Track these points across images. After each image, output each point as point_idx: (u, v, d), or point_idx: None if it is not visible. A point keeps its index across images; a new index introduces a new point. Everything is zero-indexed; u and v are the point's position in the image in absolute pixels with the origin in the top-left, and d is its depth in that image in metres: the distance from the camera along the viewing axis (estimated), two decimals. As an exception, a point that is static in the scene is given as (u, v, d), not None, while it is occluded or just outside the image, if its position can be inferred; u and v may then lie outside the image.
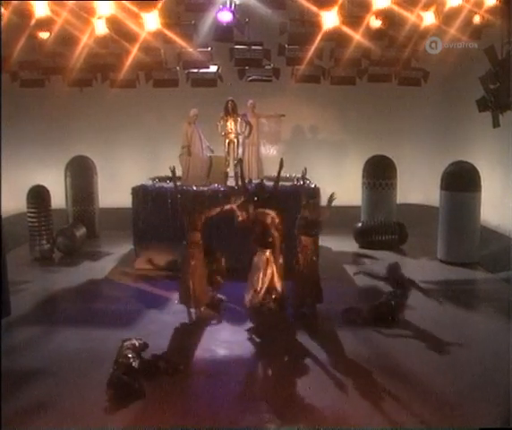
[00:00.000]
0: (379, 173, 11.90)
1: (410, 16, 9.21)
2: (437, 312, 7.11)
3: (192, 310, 7.49)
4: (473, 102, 9.48)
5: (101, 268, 10.02)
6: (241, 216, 7.37)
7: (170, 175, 10.43)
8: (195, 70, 10.99)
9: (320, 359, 6.26)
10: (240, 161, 8.89)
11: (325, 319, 7.47)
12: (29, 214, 10.57)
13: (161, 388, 5.52)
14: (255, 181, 9.48)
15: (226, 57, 10.64)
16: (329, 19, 9.22)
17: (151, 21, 9.18)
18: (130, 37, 9.58)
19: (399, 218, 11.81)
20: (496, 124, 9.09)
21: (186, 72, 11.00)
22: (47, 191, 10.80)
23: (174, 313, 7.55)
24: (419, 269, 9.53)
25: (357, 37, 9.57)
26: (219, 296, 7.88)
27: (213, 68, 10.97)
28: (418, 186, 13.18)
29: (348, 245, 11.43)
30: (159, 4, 9.07)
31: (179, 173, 10.38)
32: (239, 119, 10.14)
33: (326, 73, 11.04)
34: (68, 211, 12.30)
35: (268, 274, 7.14)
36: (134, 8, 8.98)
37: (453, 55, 9.68)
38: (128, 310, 7.86)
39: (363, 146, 12.87)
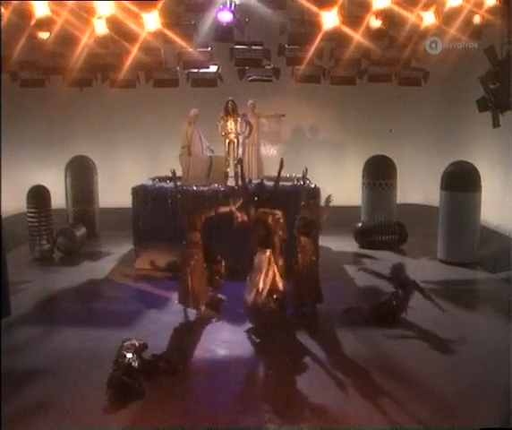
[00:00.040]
0: (380, 173, 11.90)
1: (410, 16, 9.21)
2: (437, 312, 7.10)
3: (192, 310, 7.49)
4: (473, 102, 9.48)
5: (101, 268, 10.02)
6: (240, 217, 7.37)
7: (170, 175, 10.50)
8: (195, 70, 10.98)
9: (320, 359, 6.27)
10: (240, 161, 8.90)
11: (325, 319, 7.47)
12: (29, 214, 10.57)
13: (161, 388, 5.52)
14: (255, 181, 9.49)
15: (226, 57, 10.64)
16: (329, 19, 9.22)
17: (151, 21, 9.18)
18: (130, 37, 9.58)
19: (399, 218, 11.81)
20: (496, 124, 9.09)
21: (186, 72, 10.99)
22: (47, 191, 10.80)
23: (174, 313, 7.55)
24: (419, 269, 9.51)
25: (357, 37, 9.57)
26: (219, 296, 7.89)
27: (213, 68, 10.97)
28: (418, 186, 13.17)
29: (348, 244, 11.43)
30: (159, 4, 9.07)
31: (179, 173, 10.42)
32: (239, 119, 10.14)
33: (326, 73, 11.04)
34: (68, 211, 12.31)
35: (270, 274, 7.13)
36: (134, 8, 8.98)
37: (453, 55, 9.68)
38: (128, 310, 7.86)
39: (363, 146, 12.87)
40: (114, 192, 12.21)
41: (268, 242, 7.18)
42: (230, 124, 10.02)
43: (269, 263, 7.12)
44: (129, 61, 10.19)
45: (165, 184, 10.02)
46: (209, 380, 5.80)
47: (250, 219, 7.32)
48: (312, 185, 9.61)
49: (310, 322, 7.33)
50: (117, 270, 9.95)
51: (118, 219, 11.32)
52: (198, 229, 7.45)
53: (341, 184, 12.89)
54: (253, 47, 10.28)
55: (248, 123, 10.33)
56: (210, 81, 11.10)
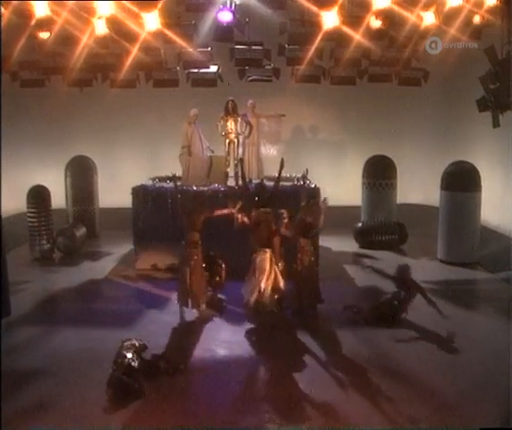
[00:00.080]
0: (380, 173, 11.90)
1: (410, 16, 9.21)
2: (437, 312, 7.10)
3: (193, 310, 7.49)
4: (473, 102, 9.48)
5: (101, 268, 10.02)
6: (240, 218, 7.36)
7: (170, 174, 10.51)
8: (195, 70, 10.98)
9: (320, 359, 6.27)
10: (241, 161, 8.89)
11: (325, 319, 7.48)
12: (29, 214, 10.58)
13: (161, 388, 5.52)
14: (255, 181, 9.49)
15: (226, 57, 10.64)
16: (329, 19, 9.22)
17: (151, 21, 9.18)
18: (130, 37, 9.58)
19: (399, 218, 11.81)
20: (496, 124, 9.09)
21: (186, 72, 10.99)
22: (48, 191, 10.81)
23: (174, 313, 7.54)
24: (419, 269, 9.47)
25: (357, 37, 9.57)
26: (219, 295, 7.89)
27: (213, 68, 10.96)
28: (418, 186, 13.17)
29: (348, 244, 11.43)
30: (159, 4, 9.07)
31: (179, 173, 10.42)
32: (239, 119, 10.13)
33: (326, 72, 11.03)
34: (68, 211, 12.31)
35: (272, 274, 7.13)
36: (134, 8, 8.98)
37: (453, 55, 9.68)
38: (128, 310, 7.86)
39: (363, 146, 12.87)
40: (114, 192, 12.21)
41: (270, 242, 7.18)
42: (230, 124, 10.01)
43: (271, 263, 7.13)
44: (129, 61, 10.19)
45: (165, 184, 10.03)
46: (209, 380, 5.81)
47: (250, 220, 7.31)
48: (312, 185, 9.61)
49: (310, 322, 7.33)
50: (117, 270, 9.95)
51: (118, 219, 11.32)
52: (197, 229, 7.45)
53: (341, 184, 12.92)
54: (253, 47, 10.27)
55: (248, 123, 10.33)
56: (210, 81, 11.10)
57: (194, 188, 9.48)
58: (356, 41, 9.70)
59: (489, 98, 9.04)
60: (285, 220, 7.29)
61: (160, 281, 8.96)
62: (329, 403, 5.26)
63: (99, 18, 9.12)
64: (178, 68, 10.86)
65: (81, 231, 11.40)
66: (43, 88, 11.27)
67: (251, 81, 11.17)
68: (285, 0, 9.37)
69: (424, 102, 12.81)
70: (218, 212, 7.57)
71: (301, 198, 7.82)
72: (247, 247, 7.42)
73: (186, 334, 7.02)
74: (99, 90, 11.42)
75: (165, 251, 9.28)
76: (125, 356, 5.51)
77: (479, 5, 8.86)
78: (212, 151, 10.39)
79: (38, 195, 10.66)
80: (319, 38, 9.63)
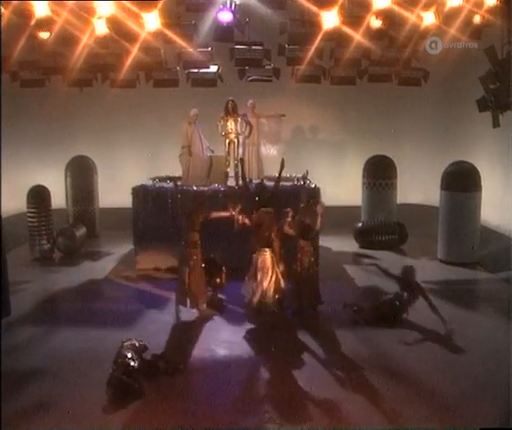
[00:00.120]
0: (380, 173, 11.90)
1: (410, 16, 9.20)
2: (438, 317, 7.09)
3: (193, 310, 7.49)
4: (473, 102, 9.47)
5: (101, 268, 10.02)
6: (241, 220, 7.34)
7: (170, 174, 10.51)
8: (195, 70, 10.96)
9: (320, 359, 6.27)
10: (241, 161, 8.89)
11: (325, 319, 7.48)
12: (29, 214, 10.58)
13: (161, 388, 5.52)
14: (255, 181, 9.49)
15: (226, 57, 10.63)
16: (329, 19, 9.21)
17: (151, 21, 9.17)
18: (130, 37, 9.56)
19: (399, 218, 11.81)
20: (496, 124, 9.08)
21: (186, 72, 10.98)
22: (48, 191, 10.81)
23: (179, 313, 7.55)
24: (419, 269, 9.38)
25: (357, 37, 9.56)
26: (220, 295, 7.89)
27: (213, 68, 10.95)
28: (418, 186, 13.17)
29: (348, 244, 11.43)
30: (159, 4, 9.06)
31: (179, 173, 10.43)
32: (239, 119, 10.13)
33: (326, 72, 11.02)
34: (68, 211, 12.31)
35: (274, 274, 7.14)
36: (134, 8, 8.97)
37: (453, 55, 9.67)
38: (128, 310, 7.86)
39: (363, 146, 12.86)
40: (114, 192, 12.20)
41: (270, 242, 7.18)
42: (230, 124, 10.00)
43: (272, 263, 7.13)
44: (129, 61, 10.17)
45: (165, 184, 10.03)
46: (209, 380, 5.81)
47: (251, 221, 7.30)
48: (312, 186, 9.61)
49: (310, 322, 7.33)
50: (117, 270, 9.96)
51: (118, 219, 11.32)
52: (196, 230, 7.45)
53: (341, 184, 12.94)
54: (253, 47, 10.26)
55: (248, 123, 10.33)
56: (210, 81, 11.08)
57: (194, 188, 9.49)
58: (356, 41, 9.69)
59: (489, 98, 9.03)
60: (289, 219, 7.29)
61: (160, 281, 8.97)
62: (329, 403, 5.26)
63: (99, 18, 9.11)
64: (178, 68, 10.84)
65: (81, 231, 11.40)
66: (43, 88, 11.25)
67: (251, 81, 11.16)
68: (285, 0, 9.36)
69: (424, 102, 12.80)
70: (218, 214, 7.55)
71: (301, 198, 7.80)
72: (247, 247, 7.42)
73: (186, 334, 7.01)
74: (99, 90, 11.41)
75: (165, 251, 9.28)
76: (125, 357, 5.51)
77: (479, 5, 8.85)
78: (212, 151, 10.39)
79: (38, 195, 10.66)
80: (319, 38, 9.62)
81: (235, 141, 10.06)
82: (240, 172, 9.14)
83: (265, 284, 7.02)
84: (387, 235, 11.39)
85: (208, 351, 6.47)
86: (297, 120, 13.24)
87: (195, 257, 7.44)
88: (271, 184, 8.38)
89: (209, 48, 10.37)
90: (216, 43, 10.14)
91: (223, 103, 10.04)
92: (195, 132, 10.21)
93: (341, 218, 11.59)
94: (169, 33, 9.58)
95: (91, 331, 7.02)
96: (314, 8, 9.20)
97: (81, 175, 12.30)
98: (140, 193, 9.73)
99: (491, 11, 8.79)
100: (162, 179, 10.54)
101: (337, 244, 11.18)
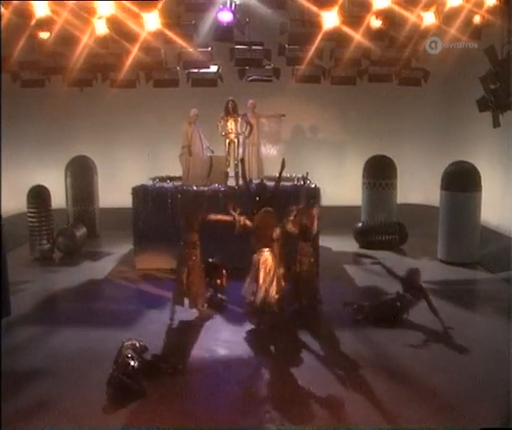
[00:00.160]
0: (380, 173, 11.90)
1: (410, 16, 9.19)
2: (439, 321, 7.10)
3: (192, 310, 7.49)
4: (473, 102, 9.47)
5: (101, 268, 10.02)
6: (242, 221, 7.32)
7: (170, 174, 10.51)
8: (195, 70, 10.96)
9: (320, 359, 6.27)
10: (242, 161, 8.89)
11: (325, 319, 7.48)
12: (29, 214, 10.58)
13: (161, 388, 5.52)
14: (255, 181, 9.49)
15: (226, 57, 10.63)
16: (330, 19, 9.21)
17: (151, 21, 9.17)
18: (130, 37, 9.56)
19: (399, 218, 11.81)
20: (496, 124, 9.08)
21: (186, 72, 10.98)
22: (48, 191, 10.81)
23: (175, 313, 7.53)
24: (419, 269, 9.52)
25: (357, 37, 9.55)
26: (220, 295, 7.89)
27: (213, 68, 10.95)
28: (418, 186, 13.17)
29: (348, 244, 11.44)
30: (160, 4, 9.06)
31: (179, 173, 10.43)
32: (239, 119, 10.12)
33: (326, 72, 11.02)
34: (68, 211, 12.31)
35: (275, 274, 7.13)
36: (134, 8, 8.97)
37: (453, 55, 9.67)
38: (128, 310, 7.87)
39: (363, 146, 12.87)
40: (114, 192, 12.21)
41: (271, 241, 7.17)
42: (230, 124, 10.00)
43: (273, 263, 7.12)
44: (129, 61, 10.17)
45: (165, 184, 10.04)
46: (209, 380, 5.81)
47: (252, 223, 7.27)
48: (312, 185, 9.61)
49: (310, 322, 7.33)
50: (117, 270, 9.96)
51: (118, 219, 11.32)
52: (195, 230, 7.44)
53: (341, 184, 12.94)
54: (253, 47, 10.26)
55: (248, 123, 10.33)
56: (210, 81, 11.09)
57: (194, 188, 9.49)
58: (356, 41, 9.69)
59: (489, 98, 9.03)
60: (291, 218, 7.28)
61: (160, 281, 8.97)
62: (330, 403, 5.26)
63: (99, 18, 9.11)
64: (178, 68, 10.84)
65: (81, 231, 11.40)
66: (43, 88, 11.26)
67: (251, 81, 11.16)
68: (285, 0, 9.36)
69: (424, 102, 12.81)
70: (216, 217, 7.50)
71: (301, 198, 7.80)
72: (247, 247, 7.41)
73: (186, 334, 7.01)
74: (99, 90, 11.41)
75: (165, 251, 9.27)
76: (126, 357, 5.51)
77: (479, 5, 8.85)
78: (212, 151, 10.39)
79: (39, 195, 10.66)
80: (319, 38, 9.61)
81: (235, 141, 10.07)
82: (240, 172, 9.14)
83: (265, 284, 7.02)
84: (387, 235, 11.39)
85: (208, 351, 6.47)
86: (297, 120, 13.24)
87: (194, 258, 7.44)
88: (271, 184, 8.38)
89: (209, 48, 10.37)
90: (216, 43, 10.14)
91: (223, 103, 10.05)
92: (195, 132, 10.21)
93: (341, 218, 11.60)
94: (169, 33, 9.58)
95: (91, 331, 7.02)
96: (314, 8, 9.19)
97: (81, 175, 12.30)
98: (140, 193, 9.73)
99: (491, 11, 8.79)
100: (162, 179, 10.55)
101: (337, 244, 11.18)
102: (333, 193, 11.86)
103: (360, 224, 11.75)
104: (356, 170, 12.40)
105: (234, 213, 7.29)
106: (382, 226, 11.44)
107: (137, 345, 5.74)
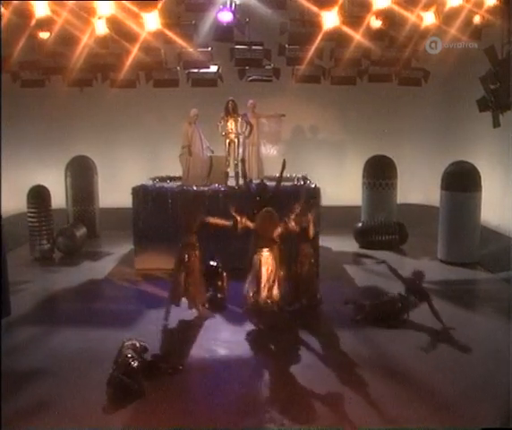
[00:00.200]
0: (380, 173, 11.90)
1: (410, 16, 9.20)
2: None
3: (192, 310, 7.49)
4: (473, 102, 9.48)
5: (101, 268, 10.02)
6: (243, 223, 7.30)
7: (170, 174, 10.50)
8: (195, 70, 10.97)
9: (320, 359, 6.27)
10: (243, 162, 8.89)
11: (325, 319, 7.48)
12: (29, 214, 10.58)
13: (161, 388, 5.52)
14: (255, 181, 9.49)
15: (226, 57, 10.64)
16: (330, 19, 9.21)
17: (151, 22, 9.17)
18: (130, 37, 9.57)
19: (399, 218, 11.81)
20: (496, 124, 9.09)
21: (186, 72, 10.98)
22: (48, 191, 10.81)
23: (175, 313, 7.54)
24: (419, 269, 9.51)
25: (357, 37, 9.56)
26: (220, 295, 7.89)
27: (213, 68, 10.96)
28: (418, 186, 13.17)
29: (348, 244, 11.43)
30: (159, 4, 9.06)
31: (179, 173, 10.43)
32: (239, 119, 10.12)
33: (326, 72, 11.03)
34: (68, 211, 12.31)
35: (275, 274, 7.13)
36: (134, 8, 8.97)
37: (453, 55, 9.68)
38: (128, 310, 7.86)
39: (363, 146, 12.87)
40: (114, 192, 12.21)
41: (272, 241, 7.17)
42: (230, 125, 10.00)
43: (273, 263, 7.12)
44: (129, 61, 10.18)
45: (165, 184, 10.04)
46: (209, 380, 5.81)
47: (254, 223, 7.26)
48: (312, 185, 9.61)
49: (310, 322, 7.33)
50: (117, 270, 9.96)
51: (118, 219, 11.32)
52: (193, 232, 7.44)
53: (341, 184, 12.94)
54: (253, 47, 10.27)
55: (248, 123, 10.33)
56: (210, 81, 11.09)
57: (194, 188, 9.49)
58: (356, 41, 9.70)
59: (489, 99, 9.04)
60: (293, 216, 7.27)
61: (160, 281, 8.95)
62: (330, 403, 5.26)
63: (99, 18, 9.11)
64: (178, 68, 10.85)
65: (81, 231, 11.40)
66: (43, 88, 11.27)
67: (251, 81, 11.17)
68: (285, 0, 9.37)
69: (424, 102, 12.81)
70: (215, 221, 7.47)
71: (301, 198, 7.80)
72: (247, 247, 7.42)
73: (186, 334, 7.00)
74: (99, 90, 11.42)
75: (165, 251, 9.25)
76: (126, 357, 5.51)
77: (479, 5, 8.85)
78: (212, 151, 10.38)
79: (39, 195, 10.66)
80: (319, 38, 9.62)
81: (235, 141, 10.06)
82: (241, 172, 9.14)
83: (266, 284, 7.02)
84: (387, 235, 11.38)
85: (208, 351, 6.46)
86: (297, 120, 13.24)
87: (192, 259, 7.43)
88: (271, 184, 8.38)
89: (209, 48, 10.38)
90: (216, 43, 10.15)
91: (223, 103, 10.04)
92: (195, 132, 10.21)
93: (341, 218, 11.61)
94: (169, 33, 9.59)
95: (91, 331, 7.02)
96: (314, 8, 9.20)
97: (81, 175, 12.30)
98: (140, 193, 9.73)
99: (491, 11, 8.79)
100: (162, 179, 10.55)
101: (337, 244, 11.18)
102: (333, 193, 11.87)
103: (360, 224, 11.75)
104: (356, 170, 12.40)
105: (236, 215, 7.27)
106: (382, 226, 11.44)
107: (137, 345, 5.74)
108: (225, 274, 7.96)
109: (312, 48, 10.03)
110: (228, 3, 9.20)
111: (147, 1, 9.01)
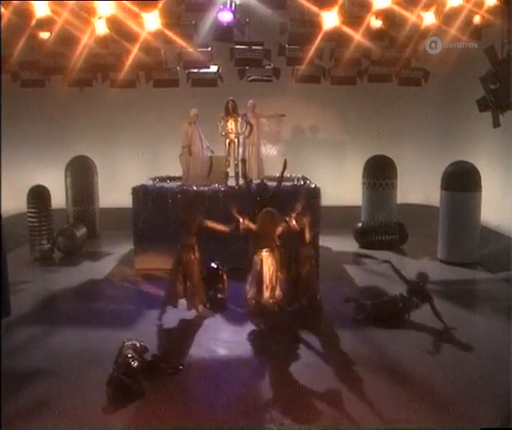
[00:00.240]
0: (380, 173, 11.91)
1: (410, 16, 9.20)
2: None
3: (191, 311, 7.50)
4: (473, 102, 9.48)
5: (101, 268, 10.02)
6: (245, 225, 7.29)
7: (170, 174, 10.50)
8: (195, 70, 10.97)
9: (320, 359, 6.28)
10: (243, 162, 8.88)
11: (325, 319, 7.48)
12: (29, 214, 10.58)
13: (161, 388, 5.52)
14: (255, 181, 9.50)
15: (226, 57, 10.64)
16: (330, 19, 9.22)
17: (152, 21, 9.17)
18: (130, 37, 9.57)
19: (399, 218, 11.81)
20: (496, 124, 9.09)
21: (186, 72, 10.99)
22: (48, 191, 10.81)
23: (175, 313, 7.54)
24: (419, 269, 9.51)
25: (357, 37, 9.56)
26: (220, 295, 7.89)
27: (213, 68, 10.96)
28: (418, 186, 13.18)
29: (348, 244, 11.43)
30: (160, 4, 9.07)
31: (179, 173, 10.43)
32: (239, 119, 10.13)
33: (326, 72, 11.03)
34: (68, 211, 12.31)
35: (275, 274, 7.13)
36: (135, 8, 8.97)
37: (453, 55, 9.68)
38: (128, 310, 7.87)
39: (363, 146, 12.88)
40: (114, 192, 12.21)
41: (273, 241, 7.17)
42: (230, 125, 10.00)
43: (273, 263, 7.12)
44: (129, 61, 10.18)
45: (165, 184, 10.04)
46: (209, 380, 5.81)
47: (255, 224, 7.26)
48: (312, 185, 9.61)
49: (310, 322, 7.32)
50: (117, 270, 9.96)
51: (118, 219, 11.32)
52: (193, 233, 7.44)
53: (341, 184, 12.95)
54: (253, 47, 10.27)
55: (248, 123, 10.33)
56: (210, 81, 11.09)
57: (194, 188, 9.49)
58: (356, 41, 9.70)
59: (489, 99, 9.04)
60: (294, 214, 7.27)
61: (160, 281, 8.93)
62: (330, 403, 5.26)
63: (99, 18, 9.11)
64: (178, 68, 10.85)
65: (81, 231, 11.40)
66: (43, 88, 11.26)
67: (251, 81, 11.17)
68: (285, 0, 9.37)
69: (424, 102, 12.81)
70: (214, 225, 7.47)
71: (301, 198, 7.80)
72: (247, 247, 7.42)
73: (186, 334, 7.01)
74: (99, 90, 11.42)
75: (165, 251, 9.24)
76: (126, 357, 5.51)
77: (479, 5, 8.85)
78: (212, 151, 10.38)
79: (39, 195, 10.66)
80: (319, 38, 9.62)
81: (235, 141, 10.07)
82: (241, 172, 9.13)
83: (266, 284, 7.02)
84: (387, 235, 11.39)
85: (208, 351, 6.46)
86: (297, 120, 13.25)
87: (191, 260, 7.43)
88: (272, 184, 8.38)
89: (209, 48, 10.38)
90: (216, 43, 10.15)
91: (223, 103, 10.05)
92: (195, 132, 10.21)
93: (341, 218, 11.61)
94: (169, 33, 9.59)
95: (91, 331, 7.02)
96: (314, 8, 9.20)
97: (81, 175, 12.30)
98: (140, 193, 9.73)
99: (491, 11, 8.79)
100: (162, 179, 10.56)
101: (338, 244, 11.18)
102: (333, 193, 11.87)
103: (360, 224, 11.75)
104: (356, 170, 12.41)
105: (238, 217, 7.25)
106: (382, 226, 11.44)
107: (137, 345, 5.74)
108: (225, 276, 7.96)
109: (312, 48, 10.03)
110: (228, 3, 9.20)
111: (147, 1, 9.01)
